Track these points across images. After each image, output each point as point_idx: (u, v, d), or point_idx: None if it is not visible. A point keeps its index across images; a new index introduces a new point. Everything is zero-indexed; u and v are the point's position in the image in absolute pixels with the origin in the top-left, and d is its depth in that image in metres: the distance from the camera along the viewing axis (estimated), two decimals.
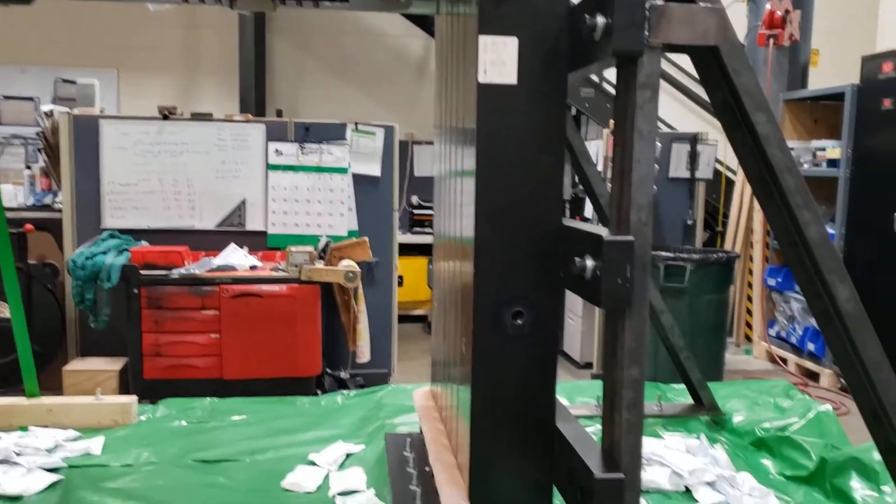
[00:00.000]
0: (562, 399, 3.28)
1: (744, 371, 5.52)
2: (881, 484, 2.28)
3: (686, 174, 5.10)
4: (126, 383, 4.23)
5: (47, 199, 4.88)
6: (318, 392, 4.33)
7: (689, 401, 3.16)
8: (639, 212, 1.60)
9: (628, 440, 1.64)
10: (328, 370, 4.53)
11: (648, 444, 2.61)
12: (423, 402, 2.63)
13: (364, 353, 4.47)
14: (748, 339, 6.38)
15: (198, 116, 4.69)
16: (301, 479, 2.52)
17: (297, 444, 2.83)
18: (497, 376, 1.90)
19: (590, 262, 1.63)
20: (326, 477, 2.56)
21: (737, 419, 3.02)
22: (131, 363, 4.12)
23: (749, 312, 6.38)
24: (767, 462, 2.68)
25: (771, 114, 1.63)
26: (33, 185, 5.04)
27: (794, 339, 5.71)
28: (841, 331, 1.72)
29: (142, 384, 4.11)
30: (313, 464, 2.66)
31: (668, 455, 2.44)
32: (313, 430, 3.00)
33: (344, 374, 4.55)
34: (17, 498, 2.36)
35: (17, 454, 2.61)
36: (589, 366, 5.29)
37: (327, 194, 4.74)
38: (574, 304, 5.48)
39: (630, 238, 1.59)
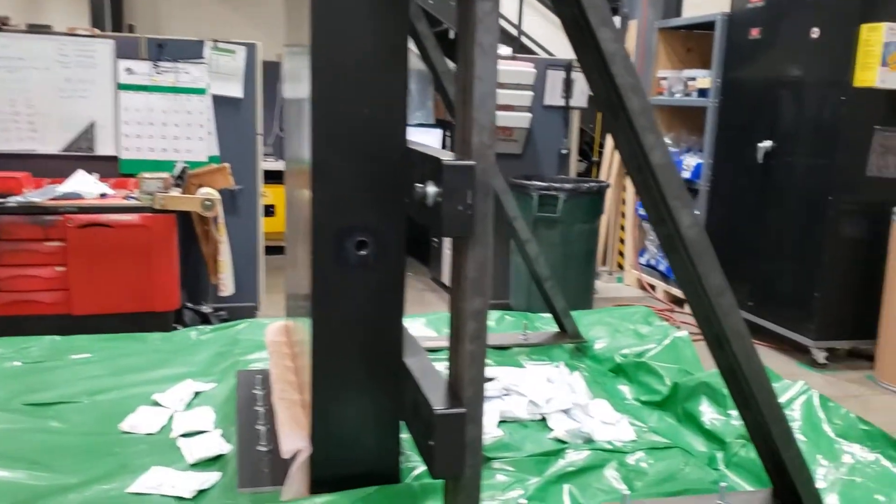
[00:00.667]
0: (430, 331, 3.23)
1: (615, 298, 5.64)
2: (728, 408, 2.32)
3: (561, 102, 5.06)
4: None
5: None
6: (178, 327, 4.13)
7: (556, 329, 3.16)
8: (481, 133, 1.50)
9: (471, 373, 1.57)
10: (189, 304, 4.32)
11: (510, 375, 2.58)
12: (274, 338, 2.50)
13: (227, 286, 4.27)
14: (620, 267, 6.52)
15: (35, 28, 4.26)
16: (141, 420, 2.35)
17: (143, 384, 2.65)
18: (339, 310, 1.79)
19: (431, 189, 1.53)
20: (171, 418, 2.41)
21: (598, 346, 3.04)
22: None
23: (622, 241, 6.51)
24: (624, 388, 2.70)
25: (616, 31, 1.54)
26: None
27: (662, 267, 5.87)
28: (684, 257, 1.68)
29: None
30: (158, 404, 2.49)
31: (526, 385, 2.42)
32: (162, 369, 2.82)
33: (206, 309, 4.35)
34: None
35: None
36: None
37: (185, 117, 4.44)
38: None
39: (470, 162, 1.48)
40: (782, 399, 2.34)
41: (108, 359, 2.92)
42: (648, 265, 6.05)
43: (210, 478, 2.01)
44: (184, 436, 2.28)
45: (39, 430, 2.31)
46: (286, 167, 2.61)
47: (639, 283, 6.09)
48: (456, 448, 1.55)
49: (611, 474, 2.02)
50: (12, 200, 3.78)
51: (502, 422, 2.31)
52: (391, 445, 1.88)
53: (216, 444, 2.20)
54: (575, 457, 2.07)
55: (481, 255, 1.53)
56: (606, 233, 6.43)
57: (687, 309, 5.50)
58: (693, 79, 5.49)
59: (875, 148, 4.45)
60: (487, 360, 2.83)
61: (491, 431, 2.22)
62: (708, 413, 2.39)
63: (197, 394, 2.59)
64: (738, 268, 5.14)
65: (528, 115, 4.88)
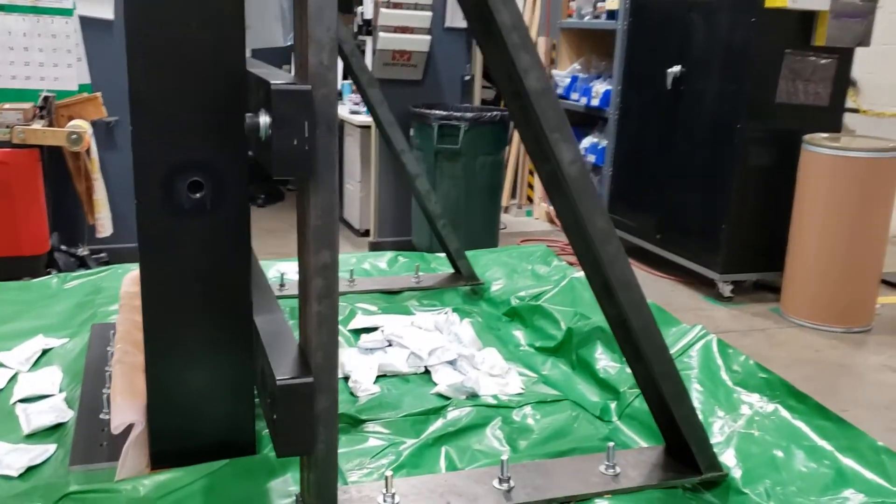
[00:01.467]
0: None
1: (522, 233, 5.51)
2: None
3: (464, 24, 4.77)
4: None
5: None
6: (51, 272, 3.80)
7: (451, 271, 2.98)
8: (319, 52, 1.25)
9: (320, 337, 1.36)
10: (63, 247, 3.97)
11: (394, 323, 2.39)
12: (129, 288, 2.24)
13: (105, 227, 3.94)
14: (531, 200, 6.38)
15: None
16: None
17: None
18: (171, 263, 1.54)
19: (264, 119, 1.28)
20: (13, 379, 2.14)
21: (494, 288, 2.87)
22: None
23: (532, 174, 6.35)
24: (519, 333, 2.55)
25: None
26: None
27: None
28: (567, 198, 1.49)
29: None
30: (0, 364, 2.22)
31: (408, 335, 2.23)
32: (12, 323, 2.53)
33: (83, 252, 4.02)
34: None
35: None
36: (368, 233, 5.05)
37: (49, 41, 4.01)
38: (353, 167, 5.16)
39: (305, 86, 1.24)
40: (679, 345, 2.21)
41: None
42: None
43: (45, 451, 1.77)
44: (23, 401, 2.02)
45: None
46: None
47: (548, 216, 5.97)
48: (303, 422, 1.35)
49: (494, 433, 1.86)
50: None
51: (382, 376, 2.12)
52: (244, 413, 1.67)
53: (56, 411, 1.95)
54: (456, 414, 1.91)
55: (326, 199, 1.31)
56: (516, 165, 6.25)
57: None
58: (603, 0, 5.29)
59: (785, 73, 4.35)
60: (374, 307, 2.64)
61: (368, 388, 2.03)
62: (603, 360, 2.25)
63: (45, 351, 2.32)
64: (647, 199, 5.06)
65: (428, 37, 4.60)
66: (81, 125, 3.66)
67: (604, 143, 5.34)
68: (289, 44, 5.33)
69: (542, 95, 1.40)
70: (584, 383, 2.20)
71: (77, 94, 3.97)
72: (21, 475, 1.69)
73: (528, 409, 1.97)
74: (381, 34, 4.58)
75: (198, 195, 1.52)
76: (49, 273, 3.70)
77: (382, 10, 4.56)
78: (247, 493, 1.59)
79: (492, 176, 4.46)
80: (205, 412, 1.63)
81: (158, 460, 1.62)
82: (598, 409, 2.04)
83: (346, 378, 2.09)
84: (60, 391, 2.07)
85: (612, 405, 2.06)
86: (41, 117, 3.70)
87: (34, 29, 3.95)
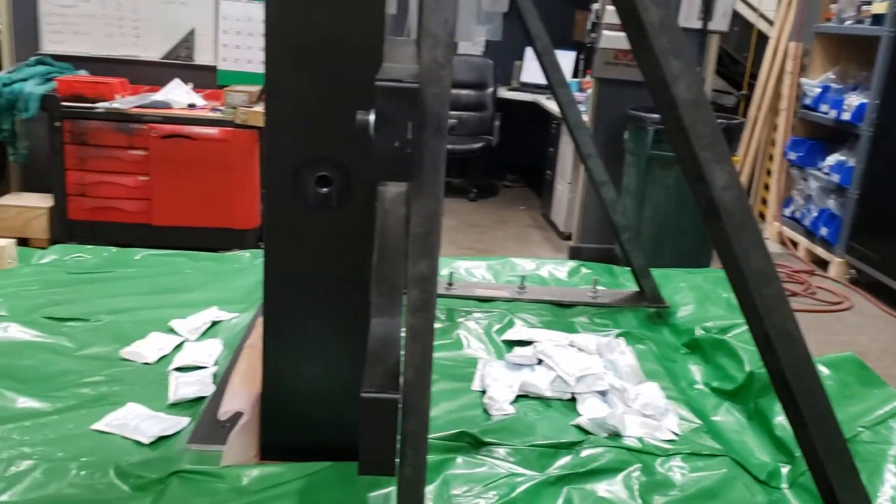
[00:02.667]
0: (489, 276, 2.89)
1: None
2: None
3: (698, 24, 4.42)
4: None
5: None
6: (260, 246, 4.02)
7: (635, 289, 2.75)
8: (434, 48, 1.14)
9: (412, 352, 1.25)
10: None
11: (550, 340, 2.23)
12: None
13: None
14: (763, 217, 5.83)
15: None
16: (144, 348, 2.21)
17: (168, 306, 2.52)
18: (294, 257, 1.50)
19: (372, 117, 1.19)
20: (179, 347, 2.25)
21: (680, 314, 2.61)
22: (56, 202, 3.82)
23: (767, 188, 5.80)
24: (696, 368, 2.29)
25: None
26: None
27: (807, 222, 5.17)
28: (722, 228, 1.26)
29: (67, 225, 3.83)
30: (172, 331, 2.35)
31: (559, 356, 2.06)
32: (197, 292, 2.68)
33: None
34: None
35: None
36: (571, 237, 4.85)
37: None
38: (565, 167, 4.99)
39: (413, 84, 1.13)
40: (879, 412, 1.86)
41: (151, 276, 2.82)
42: (793, 217, 5.35)
43: (178, 423, 1.82)
44: (178, 369, 2.11)
45: (44, 347, 2.21)
46: None
47: (780, 237, 5.41)
48: (384, 441, 1.25)
49: (628, 482, 1.65)
50: (101, 106, 3.74)
51: (523, 396, 1.97)
52: (355, 416, 1.60)
53: (202, 384, 2.01)
54: (590, 453, 1.72)
55: (429, 206, 1.19)
56: (750, 178, 5.74)
57: (830, 272, 4.82)
58: (868, 2, 4.66)
59: None
60: (537, 319, 2.48)
61: (503, 408, 1.89)
62: (783, 415, 1.94)
63: (215, 323, 2.42)
64: None
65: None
66: None
67: (852, 162, 4.74)
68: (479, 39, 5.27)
69: (693, 107, 1.18)
70: (755, 439, 1.92)
71: None
72: (151, 443, 1.75)
73: (676, 461, 1.73)
74: (606, 32, 4.37)
75: (324, 190, 1.47)
76: (259, 247, 3.92)
77: (609, 7, 4.34)
78: (345, 499, 1.53)
79: None
80: (316, 410, 1.58)
81: (266, 451, 1.60)
82: (765, 473, 1.76)
83: (483, 392, 1.96)
84: (215, 364, 2.14)
85: (784, 470, 1.77)
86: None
87: None
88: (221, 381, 1.97)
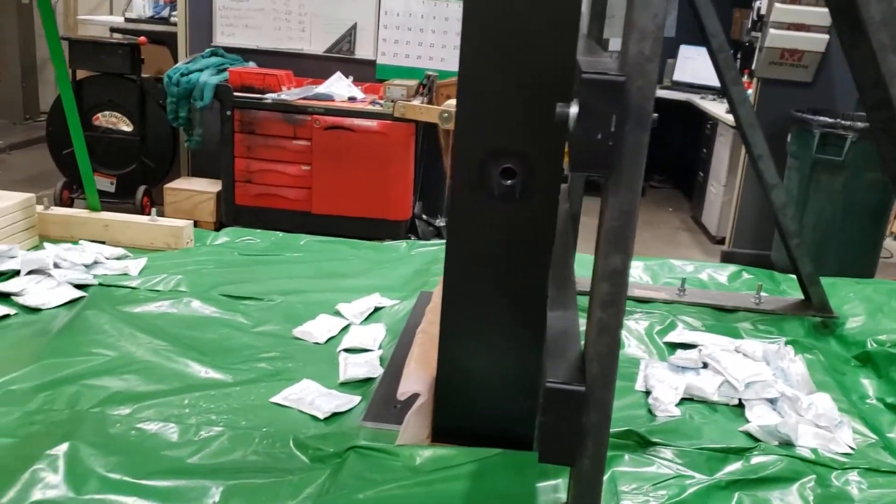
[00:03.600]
0: (646, 277, 2.85)
1: None
2: None
3: None
4: None
5: (165, 13, 4.79)
6: (411, 237, 4.13)
7: (800, 297, 2.65)
8: (641, 41, 1.14)
9: (599, 345, 1.26)
10: (424, 216, 4.29)
11: (715, 344, 2.18)
12: None
13: None
14: None
15: None
16: (315, 328, 2.32)
17: (334, 290, 2.63)
18: (475, 245, 1.55)
19: (572, 109, 1.20)
20: (346, 329, 2.35)
21: (850, 325, 2.49)
22: (224, 187, 4.07)
23: None
24: (868, 383, 2.18)
25: None
26: None
27: None
28: None
29: (233, 209, 4.06)
30: (339, 314, 2.45)
31: (727, 361, 2.01)
32: (359, 278, 2.78)
33: (440, 223, 4.29)
34: (37, 310, 2.33)
35: (56, 266, 2.58)
36: (724, 242, 4.71)
37: (442, 24, 4.32)
38: (719, 169, 4.84)
39: (619, 77, 1.13)
40: None
41: (316, 261, 2.95)
42: None
43: (350, 401, 1.91)
44: (347, 350, 2.20)
45: (223, 323, 2.36)
46: None
47: None
48: (568, 431, 1.27)
49: (803, 493, 1.60)
50: (269, 97, 3.94)
51: (687, 399, 1.94)
52: (527, 407, 1.63)
53: (370, 366, 2.09)
54: (762, 461, 1.67)
55: (626, 200, 1.19)
56: None
57: None
58: None
59: None
60: (698, 322, 2.44)
61: (668, 410, 1.87)
62: None
63: (377, 309, 2.51)
64: None
65: (825, 37, 4.10)
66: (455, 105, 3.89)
67: None
68: None
69: None
70: None
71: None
72: (326, 419, 1.84)
73: (853, 475, 1.67)
74: (772, 31, 4.20)
75: (509, 182, 1.49)
76: (409, 238, 4.03)
77: (777, 4, 4.17)
78: (515, 487, 1.56)
79: (879, 196, 3.87)
80: (488, 397, 1.62)
81: (438, 434, 1.65)
82: None
83: (648, 393, 1.95)
84: (380, 348, 2.23)
85: None
86: (422, 95, 4.02)
87: (432, 12, 4.29)
88: (390, 364, 2.05)
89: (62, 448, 1.61)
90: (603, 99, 1.14)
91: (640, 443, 1.72)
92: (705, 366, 2.05)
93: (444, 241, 3.21)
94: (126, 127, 4.35)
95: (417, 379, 1.60)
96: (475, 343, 1.58)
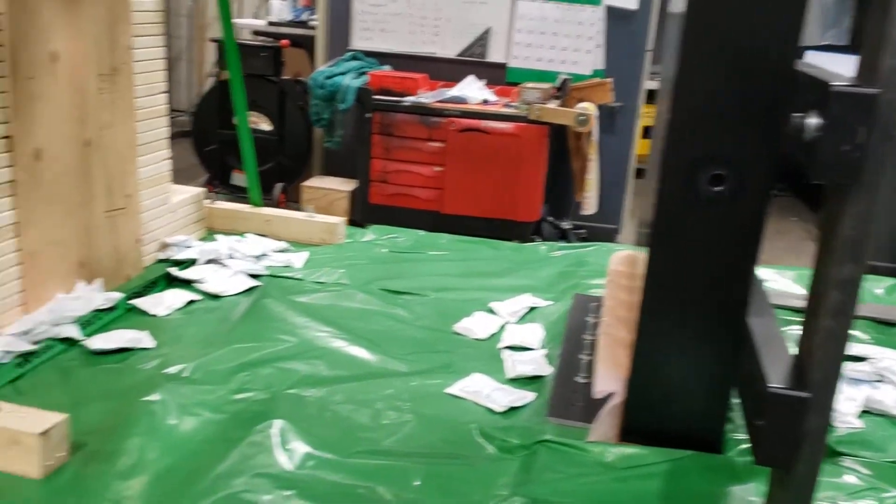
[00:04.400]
0: (797, 287, 2.82)
1: None
2: None
3: None
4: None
5: (304, 16, 4.97)
6: (536, 239, 4.17)
7: None
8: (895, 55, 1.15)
9: (824, 353, 1.28)
10: (550, 218, 4.33)
11: (886, 357, 2.15)
12: (617, 267, 2.35)
13: (590, 205, 4.19)
14: None
15: None
16: (474, 325, 2.38)
17: (483, 289, 2.69)
18: (680, 250, 1.58)
19: (812, 120, 1.23)
20: (502, 328, 2.41)
21: None
22: (359, 186, 4.20)
23: None
24: None
25: None
26: (295, 0, 5.15)
27: None
28: None
29: (367, 208, 4.19)
30: (492, 312, 2.51)
31: None
32: (505, 278, 2.84)
33: (566, 225, 4.32)
34: (218, 296, 2.47)
35: (230, 257, 2.73)
36: None
37: (575, 28, 4.35)
38: None
39: (873, 90, 1.15)
40: None
41: (461, 260, 3.02)
42: None
43: (524, 397, 1.96)
44: (509, 348, 2.26)
45: (387, 316, 2.45)
46: (659, 87, 2.39)
47: None
48: (789, 436, 1.29)
49: None
50: (407, 100, 4.05)
51: (866, 412, 1.93)
52: (718, 410, 1.65)
53: (536, 364, 2.14)
54: None
55: (865, 210, 1.21)
56: None
57: None
58: None
59: None
60: (865, 336, 2.40)
61: (850, 421, 1.86)
62: None
63: (532, 309, 2.56)
64: None
65: None
66: (589, 108, 3.93)
67: None
68: (824, 43, 5.02)
69: None
70: None
71: (590, 79, 4.26)
72: (503, 412, 1.90)
73: None
74: None
75: (717, 188, 1.52)
76: (534, 240, 4.08)
77: None
78: (707, 488, 1.58)
79: None
80: (680, 400, 1.64)
81: (627, 434, 1.69)
82: None
83: None
84: (541, 347, 2.28)
85: None
86: (556, 97, 4.06)
87: (566, 16, 4.33)
88: (561, 363, 2.10)
89: (272, 425, 1.72)
90: (853, 111, 1.16)
91: (828, 453, 1.71)
92: (881, 379, 2.03)
93: (577, 244, 3.25)
94: (266, 126, 4.54)
95: (612, 379, 1.65)
96: (674, 347, 1.61)
